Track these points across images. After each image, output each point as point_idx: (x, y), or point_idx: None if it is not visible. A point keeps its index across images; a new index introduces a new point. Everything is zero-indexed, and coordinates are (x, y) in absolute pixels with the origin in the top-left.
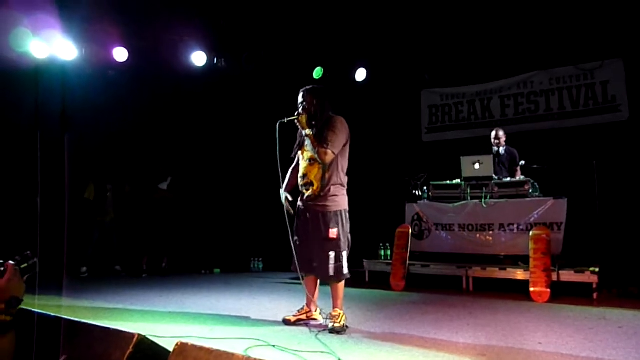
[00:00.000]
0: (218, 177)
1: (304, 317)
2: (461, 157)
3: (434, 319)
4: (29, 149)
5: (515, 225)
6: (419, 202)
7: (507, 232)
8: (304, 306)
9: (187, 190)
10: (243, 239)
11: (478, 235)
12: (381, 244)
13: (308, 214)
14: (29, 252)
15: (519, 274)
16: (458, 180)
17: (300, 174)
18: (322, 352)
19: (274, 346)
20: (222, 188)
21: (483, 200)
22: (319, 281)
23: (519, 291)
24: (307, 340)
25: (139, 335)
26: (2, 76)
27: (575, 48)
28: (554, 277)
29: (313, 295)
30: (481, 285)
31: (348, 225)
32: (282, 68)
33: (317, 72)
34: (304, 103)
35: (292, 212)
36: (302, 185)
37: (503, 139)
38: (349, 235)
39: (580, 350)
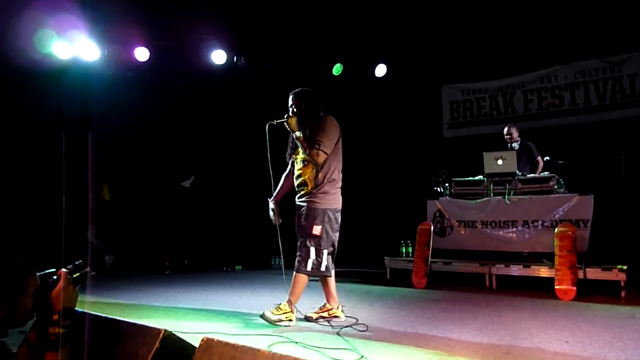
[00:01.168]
0: (239, 175)
1: (325, 314)
2: (483, 153)
3: (457, 317)
4: (53, 149)
5: (540, 222)
6: (440, 198)
7: (531, 229)
8: (325, 304)
9: (210, 188)
10: (264, 236)
11: (501, 232)
12: (402, 242)
13: (300, 211)
14: (80, 261)
15: (544, 272)
16: (480, 177)
17: (296, 174)
18: (344, 348)
19: (296, 343)
20: (243, 186)
21: (506, 196)
22: (332, 278)
23: (543, 289)
24: (329, 337)
25: (166, 330)
26: (26, 77)
27: (600, 40)
28: (580, 275)
29: (329, 292)
30: (504, 282)
31: (336, 226)
32: (302, 65)
33: (337, 69)
34: (293, 106)
35: (278, 222)
36: (297, 186)
37: (515, 134)
38: (335, 236)
39: (609, 350)
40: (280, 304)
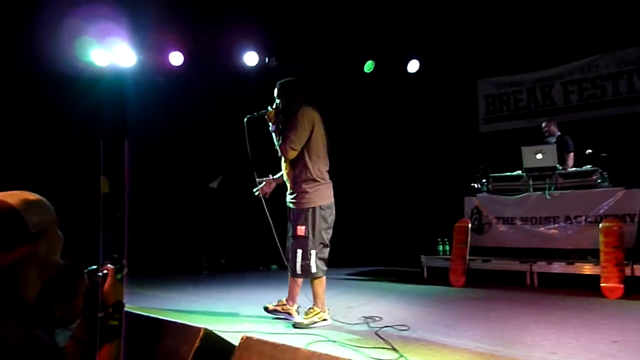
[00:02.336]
0: (269, 175)
1: (280, 308)
2: (522, 147)
3: (497, 316)
4: (91, 155)
5: (583, 218)
6: (477, 195)
7: (574, 225)
8: (284, 299)
9: (242, 189)
10: None
11: (542, 229)
12: (439, 240)
13: (288, 212)
14: (116, 255)
15: (588, 269)
16: (519, 172)
17: (283, 171)
18: (383, 347)
19: (334, 342)
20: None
21: (547, 191)
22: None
23: (588, 287)
24: (367, 336)
25: (206, 329)
26: (67, 84)
27: None
28: (628, 272)
29: (292, 291)
30: (547, 280)
31: (324, 223)
32: (333, 63)
33: (369, 66)
34: (277, 98)
35: (261, 193)
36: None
37: (552, 129)
38: (326, 233)
39: None
40: (309, 308)
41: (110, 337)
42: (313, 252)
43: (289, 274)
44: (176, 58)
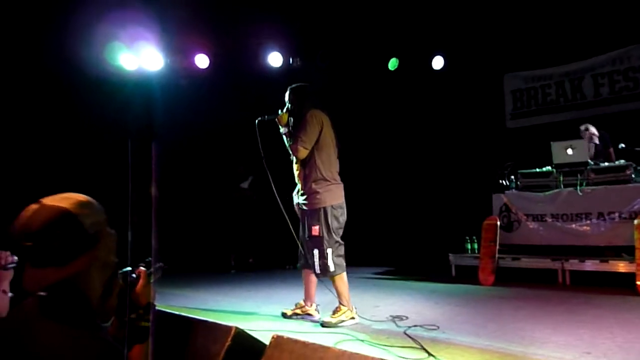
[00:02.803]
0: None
1: (299, 311)
2: (551, 143)
3: (528, 315)
4: (119, 157)
5: (617, 214)
6: (506, 192)
7: (607, 221)
8: (301, 301)
9: (270, 189)
10: None
11: (574, 226)
12: (467, 237)
13: (300, 212)
14: (151, 258)
15: (622, 267)
16: (549, 168)
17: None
18: (412, 347)
19: (362, 341)
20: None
21: (578, 187)
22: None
23: (622, 285)
24: (395, 335)
25: (237, 328)
26: (97, 88)
27: None
28: None
29: (309, 290)
30: (579, 278)
31: (336, 222)
32: (357, 62)
33: (393, 63)
34: (288, 102)
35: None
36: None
37: (593, 130)
38: (338, 232)
39: None
40: (336, 307)
41: (141, 338)
42: (329, 250)
43: (303, 274)
44: (202, 60)
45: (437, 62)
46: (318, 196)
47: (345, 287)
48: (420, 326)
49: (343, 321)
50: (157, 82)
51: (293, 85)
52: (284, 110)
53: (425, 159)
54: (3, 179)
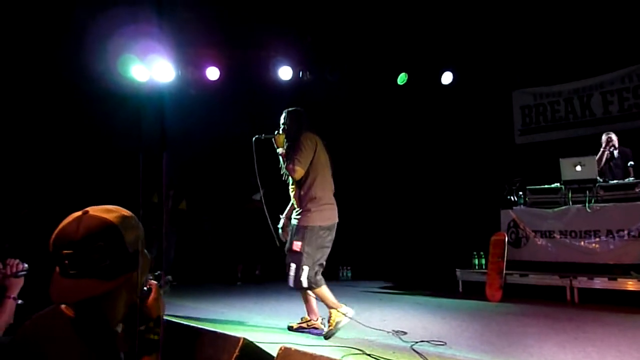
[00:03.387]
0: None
1: (305, 325)
2: (560, 159)
3: (536, 332)
4: (130, 168)
5: (626, 232)
6: (514, 208)
7: (616, 239)
8: (306, 315)
9: (281, 202)
10: (332, 248)
11: (582, 243)
12: (475, 253)
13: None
14: (159, 272)
15: (631, 285)
16: (557, 184)
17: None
18: None
19: (369, 355)
20: None
21: (587, 204)
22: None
23: (631, 304)
24: (401, 350)
25: (245, 339)
26: (109, 100)
27: None
28: None
29: (310, 304)
30: (588, 296)
31: (321, 242)
32: (366, 76)
33: (402, 78)
34: (285, 124)
35: (284, 238)
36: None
37: (614, 141)
38: (322, 252)
39: None
40: (329, 317)
41: (149, 350)
42: (306, 268)
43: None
44: (213, 73)
45: (446, 77)
46: (309, 214)
47: (327, 293)
48: (427, 341)
49: (339, 322)
50: (169, 94)
51: (290, 109)
52: (280, 131)
53: (434, 173)
54: (18, 188)
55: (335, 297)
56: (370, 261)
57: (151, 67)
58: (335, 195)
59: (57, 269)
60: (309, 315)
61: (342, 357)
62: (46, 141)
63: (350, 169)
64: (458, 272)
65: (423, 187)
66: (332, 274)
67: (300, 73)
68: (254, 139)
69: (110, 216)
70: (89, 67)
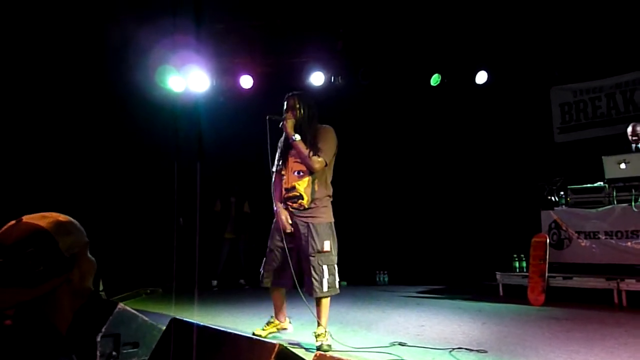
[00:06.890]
0: (339, 192)
1: (273, 329)
2: (603, 157)
3: (582, 337)
4: (167, 177)
5: None
6: (555, 208)
7: None
8: (272, 318)
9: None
10: (368, 252)
11: (629, 243)
12: (515, 255)
13: (296, 227)
14: (157, 288)
15: None
16: (600, 183)
17: (287, 186)
18: None
19: None
20: (344, 202)
21: (633, 203)
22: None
23: None
24: (440, 356)
25: (280, 345)
26: (147, 110)
27: None
28: None
29: (281, 306)
30: (637, 299)
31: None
32: (399, 78)
33: (435, 79)
34: (292, 108)
35: (289, 230)
36: (288, 198)
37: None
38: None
39: None
40: (315, 330)
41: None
42: (336, 266)
43: (273, 292)
44: (246, 81)
45: (481, 77)
46: (327, 210)
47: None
48: (467, 349)
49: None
50: (203, 103)
51: (300, 92)
52: (288, 115)
53: (472, 175)
54: (59, 196)
55: (374, 300)
56: (407, 265)
57: (187, 77)
58: (372, 199)
59: None
60: (277, 317)
61: None
62: (88, 149)
63: (387, 172)
64: (498, 275)
65: (461, 189)
66: (368, 279)
67: (332, 78)
68: (267, 117)
69: (42, 222)
70: (131, 80)
